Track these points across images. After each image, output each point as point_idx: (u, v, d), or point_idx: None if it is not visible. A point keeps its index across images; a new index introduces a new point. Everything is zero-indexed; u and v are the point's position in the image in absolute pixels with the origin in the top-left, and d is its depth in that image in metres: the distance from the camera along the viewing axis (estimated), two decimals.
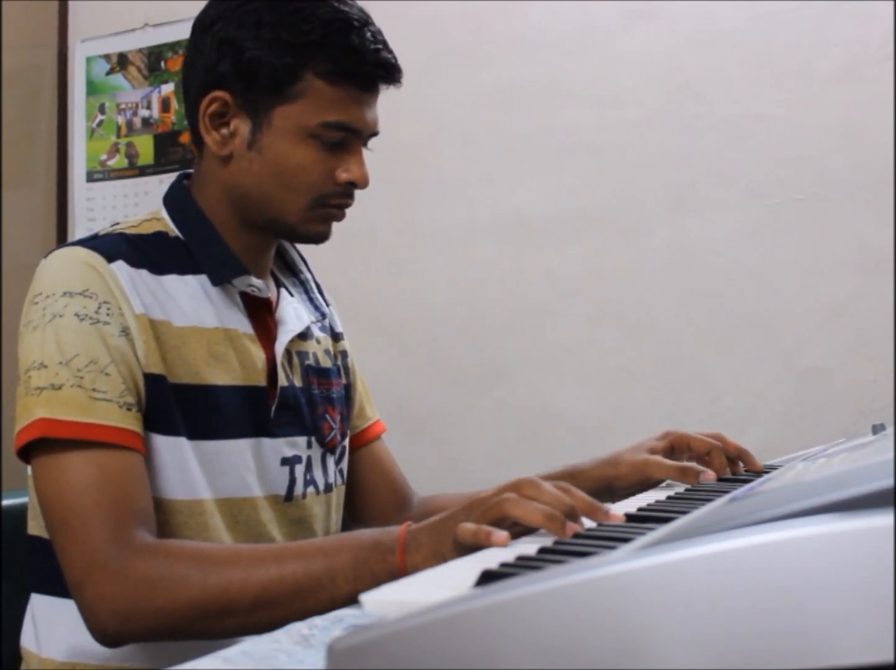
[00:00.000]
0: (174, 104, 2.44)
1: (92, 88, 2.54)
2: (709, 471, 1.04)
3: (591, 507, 0.79)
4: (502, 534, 0.72)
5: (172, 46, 2.45)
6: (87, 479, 0.92)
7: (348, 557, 0.84)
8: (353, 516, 1.27)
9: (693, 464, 1.08)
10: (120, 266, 1.01)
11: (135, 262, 1.02)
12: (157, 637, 0.93)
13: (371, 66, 1.03)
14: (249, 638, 0.62)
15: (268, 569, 0.86)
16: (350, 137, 1.05)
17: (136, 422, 0.97)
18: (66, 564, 0.92)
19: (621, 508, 0.87)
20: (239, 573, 0.87)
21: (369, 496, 1.27)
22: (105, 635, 0.91)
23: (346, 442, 1.22)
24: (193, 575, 0.87)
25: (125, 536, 0.90)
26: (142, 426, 0.98)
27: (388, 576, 0.80)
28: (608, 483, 1.12)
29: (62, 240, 2.52)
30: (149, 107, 2.47)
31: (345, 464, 1.21)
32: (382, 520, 1.18)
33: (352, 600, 0.80)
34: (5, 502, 1.24)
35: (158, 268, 1.04)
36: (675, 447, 1.15)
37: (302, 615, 0.80)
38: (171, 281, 1.05)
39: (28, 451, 0.96)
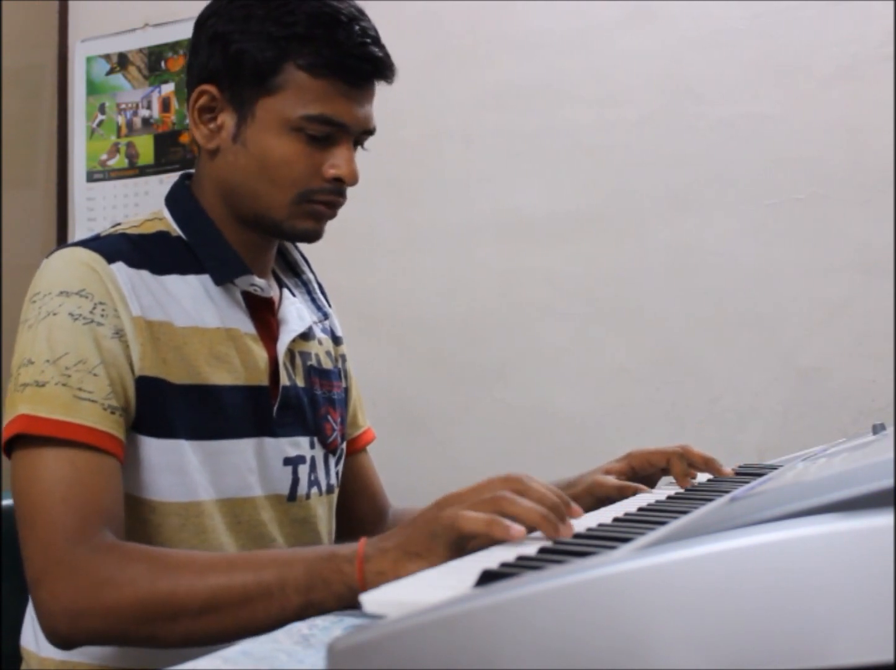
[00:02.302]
0: (174, 104, 2.44)
1: (92, 88, 2.54)
2: (642, 487, 1.06)
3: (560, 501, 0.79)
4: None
5: (172, 46, 2.45)
6: (57, 477, 0.91)
7: (301, 568, 0.82)
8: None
9: (630, 483, 1.10)
10: (119, 267, 1.00)
11: (135, 263, 1.02)
12: (106, 639, 0.92)
13: (356, 60, 1.02)
14: (249, 638, 0.61)
15: (218, 576, 0.85)
16: (337, 132, 1.04)
17: (117, 427, 0.95)
18: (25, 561, 0.91)
19: (622, 509, 0.87)
20: (189, 577, 0.85)
21: (351, 505, 1.26)
22: (57, 635, 0.90)
23: (344, 445, 1.22)
24: (143, 576, 0.86)
25: (86, 535, 0.89)
26: (124, 431, 0.96)
27: (343, 587, 0.79)
28: None
29: (62, 240, 2.52)
30: (149, 107, 2.47)
31: (341, 467, 1.21)
32: (359, 529, 1.17)
33: (304, 613, 0.78)
34: (5, 502, 1.23)
35: (160, 269, 1.04)
36: (636, 466, 1.16)
37: (252, 624, 0.80)
38: (173, 281, 1.04)
39: (12, 448, 0.96)
